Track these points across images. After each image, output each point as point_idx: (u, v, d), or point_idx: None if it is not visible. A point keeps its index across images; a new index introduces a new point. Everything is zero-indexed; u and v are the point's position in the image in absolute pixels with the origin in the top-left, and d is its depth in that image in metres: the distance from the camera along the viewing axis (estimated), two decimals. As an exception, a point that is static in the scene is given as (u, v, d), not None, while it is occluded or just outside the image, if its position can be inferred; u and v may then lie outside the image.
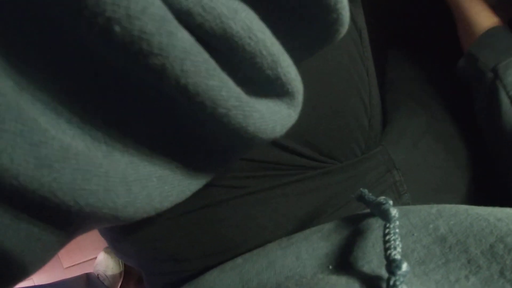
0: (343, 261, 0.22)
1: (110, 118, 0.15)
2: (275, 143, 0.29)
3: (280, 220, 0.30)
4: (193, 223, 0.29)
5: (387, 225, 0.20)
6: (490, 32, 0.39)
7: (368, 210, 0.25)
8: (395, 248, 0.19)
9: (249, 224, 0.30)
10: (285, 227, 0.31)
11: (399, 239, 0.19)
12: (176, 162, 0.17)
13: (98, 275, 0.88)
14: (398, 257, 0.18)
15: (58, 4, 0.11)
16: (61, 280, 0.80)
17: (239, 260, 0.27)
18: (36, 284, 0.93)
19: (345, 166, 0.32)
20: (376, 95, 0.35)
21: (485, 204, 0.23)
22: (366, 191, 0.25)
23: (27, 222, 0.14)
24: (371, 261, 0.21)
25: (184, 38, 0.13)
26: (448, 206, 0.23)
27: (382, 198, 0.22)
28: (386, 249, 0.19)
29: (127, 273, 0.92)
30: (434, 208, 0.23)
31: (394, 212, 0.21)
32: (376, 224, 0.24)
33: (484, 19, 0.39)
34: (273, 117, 0.17)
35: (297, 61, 0.18)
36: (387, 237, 0.20)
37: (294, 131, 0.24)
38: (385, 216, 0.21)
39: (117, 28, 0.12)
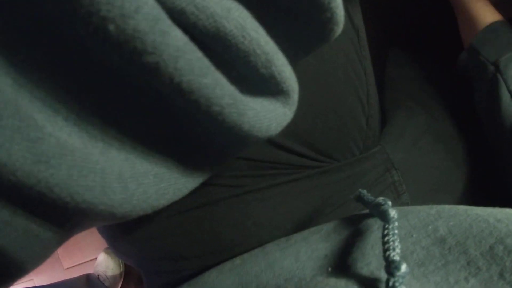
0: (342, 262, 0.22)
1: (107, 116, 0.15)
2: (272, 142, 0.29)
3: (277, 219, 0.30)
4: (191, 222, 0.29)
5: (386, 226, 0.20)
6: (493, 26, 0.39)
7: (367, 211, 0.25)
8: (394, 249, 0.19)
9: (246, 223, 0.30)
10: (283, 226, 0.30)
11: (398, 240, 0.19)
12: (172, 160, 0.18)
13: (98, 275, 0.88)
14: (397, 258, 0.18)
15: (54, 3, 0.12)
16: (62, 281, 0.81)
17: (237, 261, 0.27)
18: (37, 284, 0.93)
19: (343, 165, 0.32)
20: (374, 94, 0.35)
21: (485, 205, 0.22)
22: (365, 191, 0.25)
23: (24, 219, 0.14)
24: (370, 262, 0.21)
25: (177, 37, 0.13)
26: (447, 206, 0.23)
27: (381, 199, 0.22)
28: (385, 250, 0.19)
29: (127, 273, 0.92)
30: (434, 209, 0.23)
31: (393, 213, 0.21)
32: (375, 225, 0.24)
33: (487, 14, 0.40)
34: (268, 116, 0.17)
35: (293, 60, 0.18)
36: (386, 238, 0.20)
37: (291, 130, 0.24)
38: (384, 217, 0.21)
39: (111, 27, 0.12)
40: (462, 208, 0.22)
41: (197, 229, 0.29)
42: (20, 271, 0.16)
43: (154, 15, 0.13)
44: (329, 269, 0.22)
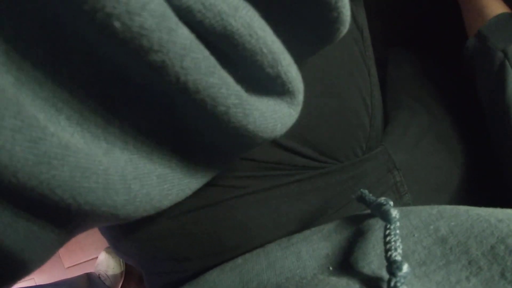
0: (344, 262, 0.22)
1: (111, 115, 0.15)
2: (276, 143, 0.29)
3: (280, 220, 0.30)
4: (194, 223, 0.29)
5: (388, 226, 0.20)
6: (502, 15, 0.39)
7: (368, 211, 0.25)
8: (395, 249, 0.19)
9: (249, 224, 0.30)
10: (285, 227, 0.30)
11: (399, 240, 0.19)
12: (176, 160, 0.17)
13: (99, 275, 0.88)
14: (398, 258, 0.18)
15: (58, 0, 0.11)
16: (62, 280, 0.80)
17: (239, 260, 0.27)
18: (38, 283, 0.93)
19: (345, 166, 0.32)
20: (377, 94, 0.35)
21: (486, 205, 0.22)
22: (366, 191, 0.25)
23: (26, 220, 0.14)
24: (371, 262, 0.21)
25: (184, 35, 0.13)
26: (449, 207, 0.23)
27: (382, 199, 0.22)
28: (387, 250, 0.19)
29: (128, 273, 0.92)
30: (435, 209, 0.23)
31: (394, 213, 0.21)
32: (376, 225, 0.24)
33: (495, 5, 0.40)
34: (273, 116, 0.17)
35: (298, 60, 0.17)
36: (388, 238, 0.20)
37: (295, 131, 0.24)
38: (386, 217, 0.21)
39: (117, 24, 0.12)
40: (463, 208, 0.22)
41: (200, 230, 0.29)
42: (22, 271, 0.15)
43: (161, 12, 0.12)
44: (330, 268, 0.23)
